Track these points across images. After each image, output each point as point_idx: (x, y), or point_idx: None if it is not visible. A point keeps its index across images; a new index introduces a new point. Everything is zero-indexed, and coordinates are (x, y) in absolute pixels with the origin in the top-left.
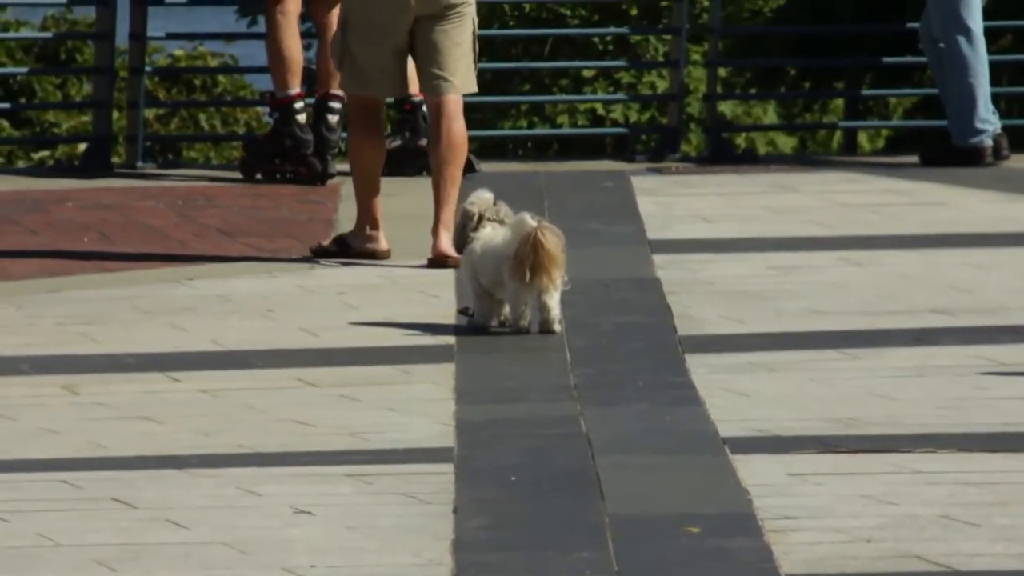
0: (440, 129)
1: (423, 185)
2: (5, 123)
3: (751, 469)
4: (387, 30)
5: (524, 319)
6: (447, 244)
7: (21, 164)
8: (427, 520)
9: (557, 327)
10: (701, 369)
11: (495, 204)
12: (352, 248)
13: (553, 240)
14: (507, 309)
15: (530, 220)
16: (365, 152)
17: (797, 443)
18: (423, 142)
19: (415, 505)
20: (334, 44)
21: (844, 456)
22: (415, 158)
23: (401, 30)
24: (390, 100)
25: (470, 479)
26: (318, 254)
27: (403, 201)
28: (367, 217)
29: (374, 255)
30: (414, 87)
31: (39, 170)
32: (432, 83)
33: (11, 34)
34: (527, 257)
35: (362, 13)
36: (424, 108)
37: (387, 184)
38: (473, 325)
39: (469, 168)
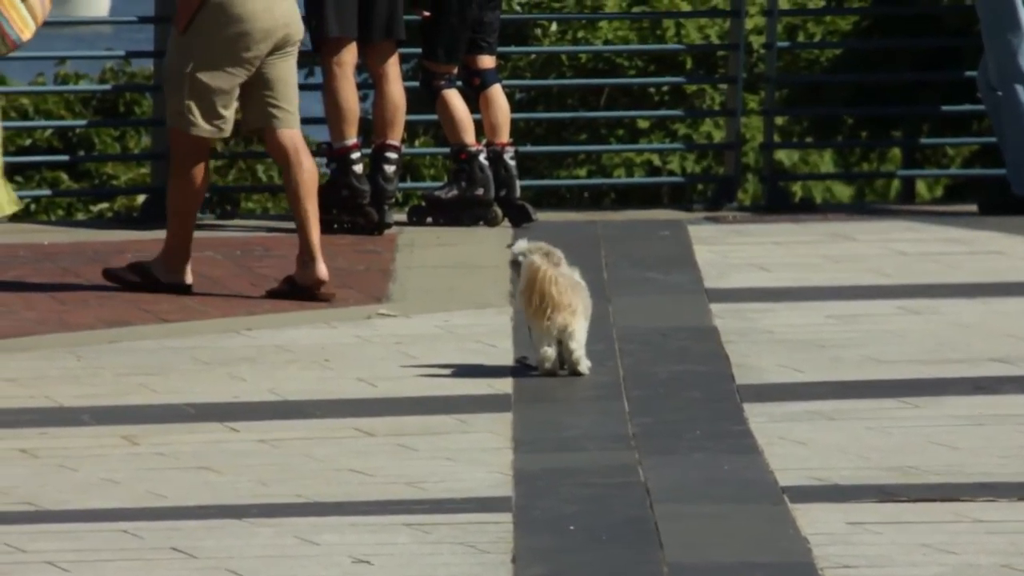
0: (301, 160)
1: (480, 235)
2: (64, 176)
3: (810, 518)
4: (246, 65)
5: (547, 361)
6: (323, 270)
7: (80, 216)
8: (485, 570)
9: (583, 369)
10: (759, 418)
11: (547, 253)
12: (155, 278)
13: (556, 279)
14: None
15: (537, 263)
16: (191, 193)
17: (856, 492)
18: (480, 191)
19: (473, 555)
20: (172, 75)
21: (904, 505)
22: (471, 207)
23: (255, 64)
24: (445, 150)
25: (528, 528)
26: (111, 277)
27: (461, 251)
28: (180, 250)
29: (179, 288)
30: (470, 136)
31: (98, 222)
32: (285, 117)
33: (70, 87)
34: (530, 297)
35: (220, 48)
36: (480, 158)
37: (444, 234)
38: (532, 371)
39: (525, 217)
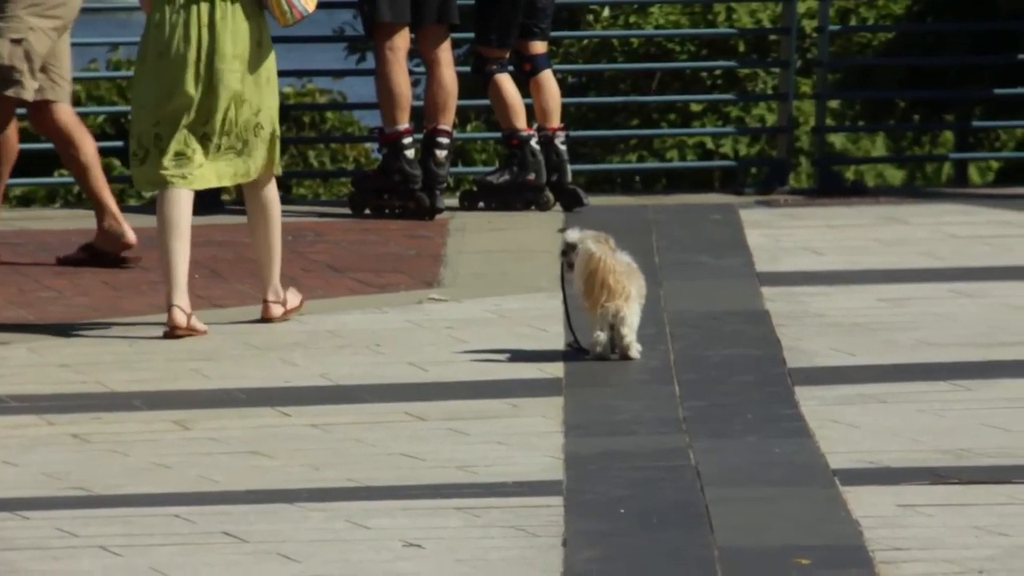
0: (84, 132)
1: (531, 220)
2: (117, 162)
3: (861, 500)
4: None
5: (599, 345)
6: (131, 234)
7: (132, 202)
8: (536, 553)
9: (634, 353)
10: (811, 401)
11: (606, 240)
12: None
13: (615, 267)
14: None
15: (594, 249)
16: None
17: (908, 474)
18: (531, 176)
19: (524, 538)
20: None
21: (955, 487)
22: (523, 192)
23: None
24: (496, 134)
25: (579, 512)
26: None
27: (512, 236)
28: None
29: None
30: (522, 121)
31: (151, 207)
32: (66, 91)
33: (123, 72)
34: (591, 286)
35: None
36: (532, 143)
37: (496, 219)
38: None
39: (577, 202)
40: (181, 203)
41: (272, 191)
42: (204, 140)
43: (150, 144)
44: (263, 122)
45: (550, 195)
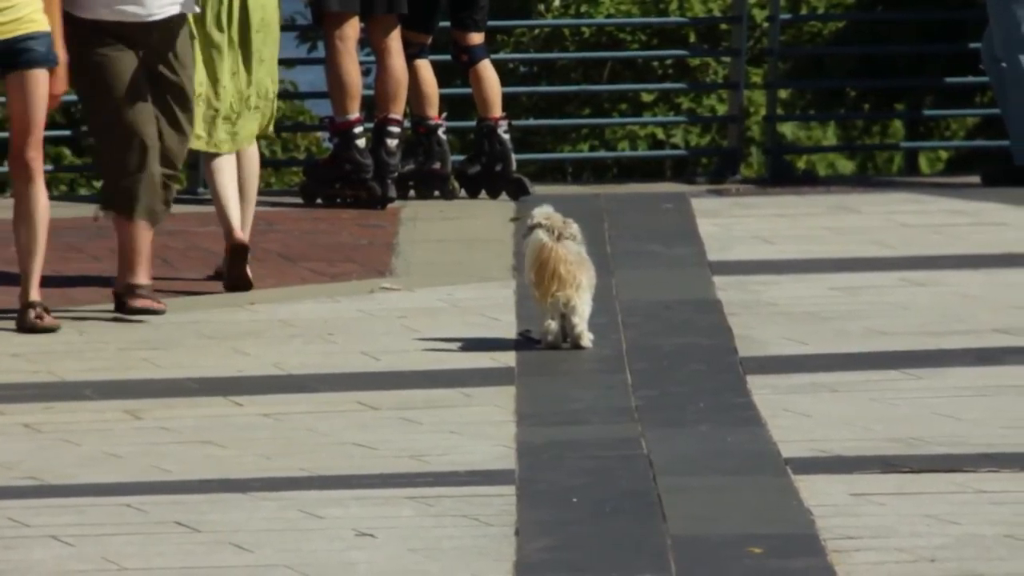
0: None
1: (484, 209)
2: (67, 151)
3: (814, 489)
4: None
5: (550, 334)
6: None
7: (83, 192)
8: (489, 542)
9: (586, 343)
10: (763, 390)
11: (564, 221)
12: None
13: (566, 257)
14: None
15: (543, 237)
16: None
17: (860, 463)
18: (437, 165)
19: (477, 527)
20: None
21: (907, 476)
22: (428, 181)
23: None
24: (407, 124)
25: (532, 501)
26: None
27: (464, 225)
28: None
29: None
30: (433, 110)
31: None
32: None
33: None
34: (540, 274)
35: None
36: (439, 132)
37: (448, 208)
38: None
39: (522, 190)
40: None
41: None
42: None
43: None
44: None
45: (456, 184)
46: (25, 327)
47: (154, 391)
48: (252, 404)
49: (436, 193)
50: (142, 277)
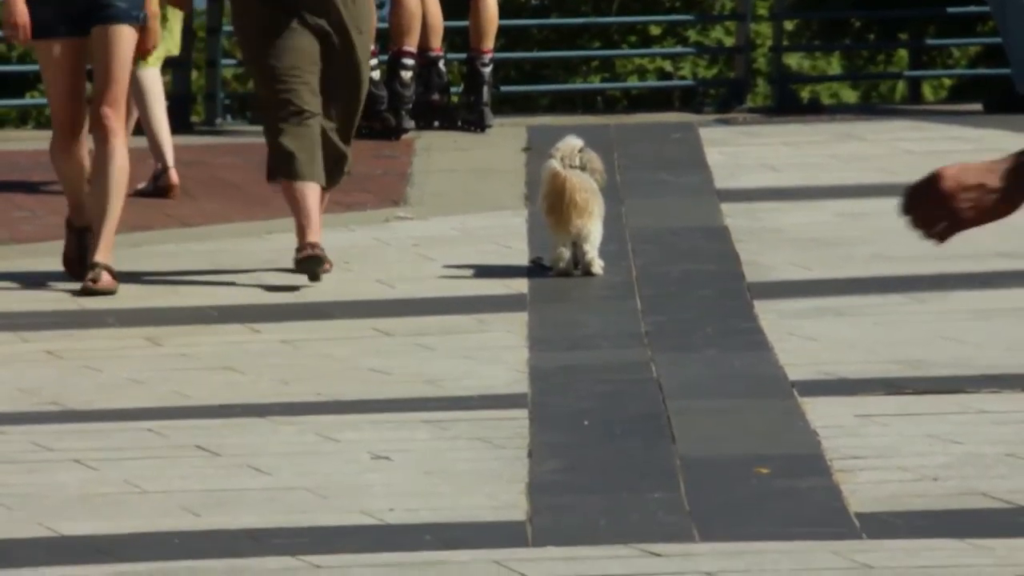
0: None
1: (497, 139)
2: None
3: (819, 411)
4: None
5: (561, 261)
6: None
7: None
8: (502, 464)
9: (596, 269)
10: (769, 315)
11: (580, 151)
12: None
13: (577, 185)
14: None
15: (556, 166)
16: None
17: (864, 385)
18: (435, 97)
19: (490, 450)
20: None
21: (910, 397)
22: (429, 112)
23: None
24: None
25: (544, 424)
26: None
27: (477, 155)
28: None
29: None
30: (436, 41)
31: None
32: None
33: None
34: (554, 202)
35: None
36: (439, 64)
37: (461, 138)
38: (547, 272)
39: (477, 125)
40: None
41: None
42: None
43: None
44: None
45: (390, 117)
46: (81, 290)
47: (174, 319)
48: (270, 331)
49: (435, 124)
50: (310, 236)
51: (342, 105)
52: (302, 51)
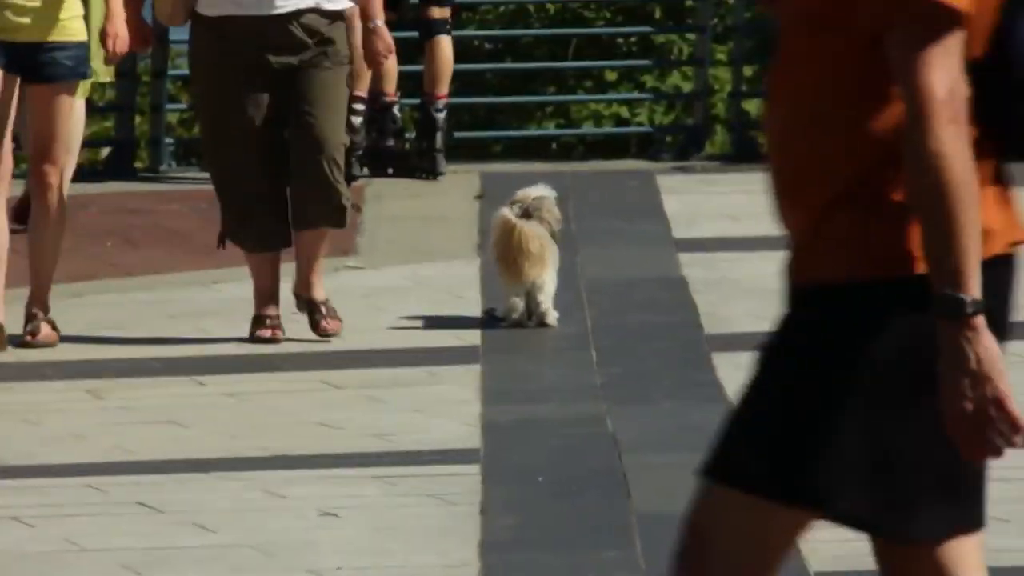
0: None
1: (448, 187)
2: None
3: None
4: None
5: (515, 311)
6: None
7: None
8: (454, 521)
9: (551, 320)
10: (728, 367)
11: (535, 199)
12: None
13: (530, 234)
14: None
15: (507, 213)
16: None
17: None
18: (390, 143)
19: (442, 506)
20: None
21: None
22: (384, 158)
23: None
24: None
25: (497, 479)
26: None
27: (428, 203)
28: None
29: None
30: (390, 86)
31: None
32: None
33: None
34: (504, 251)
35: None
36: (394, 110)
37: (412, 186)
38: (500, 323)
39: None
40: None
41: None
42: None
43: None
44: None
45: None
46: (20, 343)
47: (117, 371)
48: (215, 383)
49: (389, 171)
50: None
51: (318, 137)
52: (257, 109)
